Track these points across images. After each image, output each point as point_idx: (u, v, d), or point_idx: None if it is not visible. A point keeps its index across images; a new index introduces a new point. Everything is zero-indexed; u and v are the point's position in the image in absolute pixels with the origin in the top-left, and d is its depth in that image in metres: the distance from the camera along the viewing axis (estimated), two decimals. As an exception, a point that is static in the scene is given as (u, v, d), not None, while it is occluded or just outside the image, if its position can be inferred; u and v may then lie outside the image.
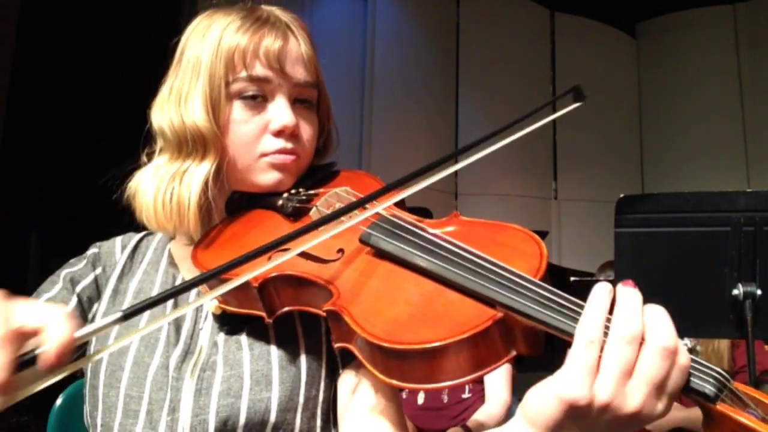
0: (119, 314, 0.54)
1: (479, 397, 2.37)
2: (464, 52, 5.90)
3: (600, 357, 0.54)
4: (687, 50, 6.20)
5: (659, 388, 0.53)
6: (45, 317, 0.52)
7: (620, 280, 0.54)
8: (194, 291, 0.88)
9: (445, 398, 2.36)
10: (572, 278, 3.30)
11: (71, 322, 0.52)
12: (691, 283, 1.49)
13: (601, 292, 0.57)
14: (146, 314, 0.87)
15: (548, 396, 0.55)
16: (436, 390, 0.62)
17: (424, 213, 3.16)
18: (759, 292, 1.42)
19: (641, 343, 0.54)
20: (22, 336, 0.51)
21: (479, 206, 5.54)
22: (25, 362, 0.50)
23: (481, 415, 2.27)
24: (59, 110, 3.59)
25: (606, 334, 0.55)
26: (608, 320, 0.55)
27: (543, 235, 4.89)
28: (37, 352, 0.50)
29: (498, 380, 2.32)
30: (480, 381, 2.37)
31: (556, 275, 4.23)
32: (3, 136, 3.46)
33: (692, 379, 0.54)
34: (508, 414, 2.32)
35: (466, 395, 2.37)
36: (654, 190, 5.62)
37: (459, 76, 5.86)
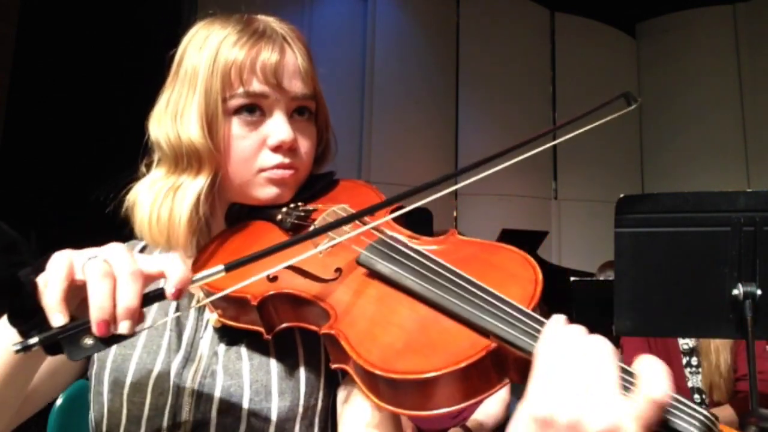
0: (222, 267, 0.63)
1: (479, 397, 2.37)
2: (464, 52, 5.90)
3: (560, 377, 0.54)
4: (687, 50, 6.20)
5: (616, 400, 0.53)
6: (164, 264, 0.63)
7: (620, 280, 0.54)
8: (196, 298, 0.89)
9: (445, 398, 2.36)
10: (572, 278, 3.30)
11: (186, 265, 0.63)
12: (691, 283, 1.49)
13: (554, 318, 0.58)
14: (152, 312, 0.89)
15: (522, 419, 0.55)
16: (430, 417, 0.63)
17: (424, 213, 3.16)
18: (759, 292, 1.42)
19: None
20: (147, 276, 0.63)
21: (479, 206, 5.54)
22: (153, 296, 0.62)
23: (480, 414, 2.27)
24: (59, 110, 3.59)
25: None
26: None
27: (543, 235, 4.90)
28: (162, 289, 0.62)
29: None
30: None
31: (556, 275, 4.22)
32: (3, 137, 3.47)
33: (679, 420, 0.54)
34: (507, 412, 2.33)
35: (466, 395, 2.37)
36: (654, 190, 5.61)
37: (459, 76, 5.87)
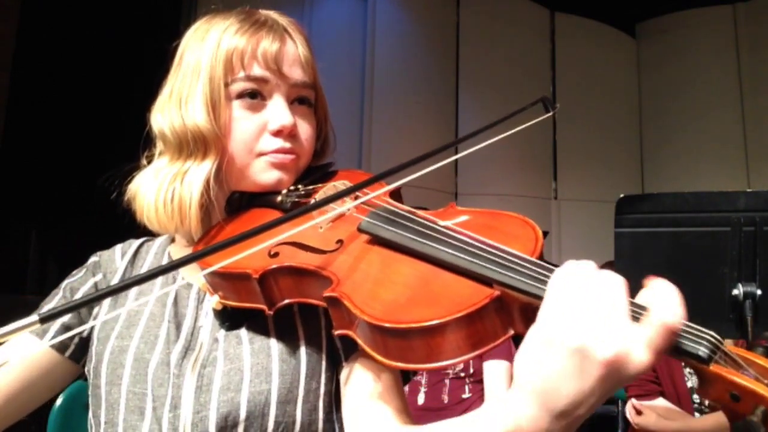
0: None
1: (479, 397, 2.37)
2: (464, 52, 5.90)
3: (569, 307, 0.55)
4: (687, 50, 6.19)
5: (617, 321, 0.54)
6: None
7: None
8: (195, 288, 0.89)
9: (446, 398, 2.36)
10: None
11: None
12: (691, 283, 1.48)
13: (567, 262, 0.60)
14: (157, 286, 0.89)
15: (529, 340, 0.56)
16: (437, 369, 0.64)
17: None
18: (759, 292, 1.42)
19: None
20: None
21: (479, 206, 5.50)
22: None
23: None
24: (59, 110, 3.59)
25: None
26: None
27: (543, 235, 4.89)
28: None
29: (498, 378, 2.32)
30: (480, 381, 2.37)
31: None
32: (3, 136, 3.47)
33: (686, 342, 0.55)
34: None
35: (466, 395, 2.37)
36: (654, 190, 5.61)
37: (459, 76, 5.86)
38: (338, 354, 0.84)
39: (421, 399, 2.37)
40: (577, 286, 0.55)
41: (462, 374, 2.37)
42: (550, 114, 0.94)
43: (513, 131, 0.87)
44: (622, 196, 1.50)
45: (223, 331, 0.84)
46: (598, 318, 0.53)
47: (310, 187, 0.90)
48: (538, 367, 0.55)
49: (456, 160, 5.77)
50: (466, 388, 2.38)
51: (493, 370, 2.32)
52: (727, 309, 1.45)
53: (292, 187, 0.90)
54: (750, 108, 5.96)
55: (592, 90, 6.11)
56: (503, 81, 5.89)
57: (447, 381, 2.38)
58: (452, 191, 5.53)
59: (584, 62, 6.17)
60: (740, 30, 6.10)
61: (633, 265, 1.51)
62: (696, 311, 1.66)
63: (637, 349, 0.52)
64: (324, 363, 0.84)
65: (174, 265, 0.61)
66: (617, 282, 0.56)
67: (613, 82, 6.28)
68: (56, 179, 3.47)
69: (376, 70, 5.34)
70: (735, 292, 1.43)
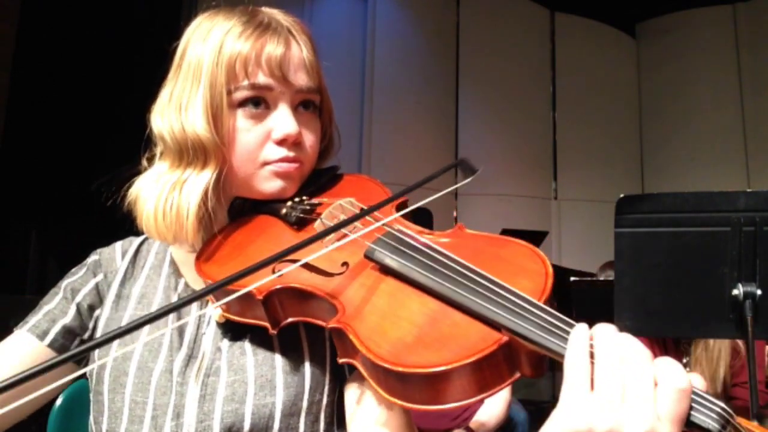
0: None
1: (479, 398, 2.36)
2: (464, 52, 5.90)
3: (591, 384, 0.54)
4: (687, 50, 6.20)
5: (648, 404, 0.53)
6: None
7: (620, 280, 0.55)
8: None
9: (445, 398, 2.36)
10: (572, 278, 3.30)
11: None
12: (691, 283, 1.48)
13: (579, 328, 0.58)
14: (155, 304, 0.88)
15: (557, 429, 0.55)
16: (441, 411, 0.62)
17: (425, 214, 3.16)
18: (759, 292, 1.41)
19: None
20: None
21: (479, 206, 5.54)
22: None
23: (483, 415, 2.27)
24: (59, 110, 3.59)
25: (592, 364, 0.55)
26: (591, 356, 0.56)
27: (543, 235, 4.90)
28: None
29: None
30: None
31: (556, 275, 4.21)
32: (3, 137, 3.47)
33: (695, 414, 0.54)
34: (509, 412, 2.32)
35: (466, 395, 2.37)
36: (654, 190, 5.61)
37: (459, 76, 5.86)
38: (342, 367, 0.83)
39: (421, 399, 2.37)
40: (602, 365, 0.54)
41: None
42: (474, 175, 0.94)
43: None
44: (622, 196, 1.50)
45: (226, 341, 0.83)
46: (626, 398, 0.53)
47: (315, 201, 0.88)
48: None
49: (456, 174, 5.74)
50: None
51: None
52: (727, 309, 1.45)
53: (297, 199, 0.88)
54: (750, 108, 5.96)
55: (592, 90, 6.12)
56: (503, 81, 5.90)
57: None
58: (453, 191, 5.53)
59: (584, 62, 6.17)
60: (740, 30, 6.10)
61: (633, 265, 1.51)
62: (696, 311, 1.66)
63: (664, 426, 0.52)
64: (328, 375, 0.83)
65: (189, 300, 0.61)
66: (644, 355, 0.54)
67: (613, 82, 6.28)
68: (56, 179, 3.47)
69: (376, 70, 5.34)
70: (735, 292, 1.43)
